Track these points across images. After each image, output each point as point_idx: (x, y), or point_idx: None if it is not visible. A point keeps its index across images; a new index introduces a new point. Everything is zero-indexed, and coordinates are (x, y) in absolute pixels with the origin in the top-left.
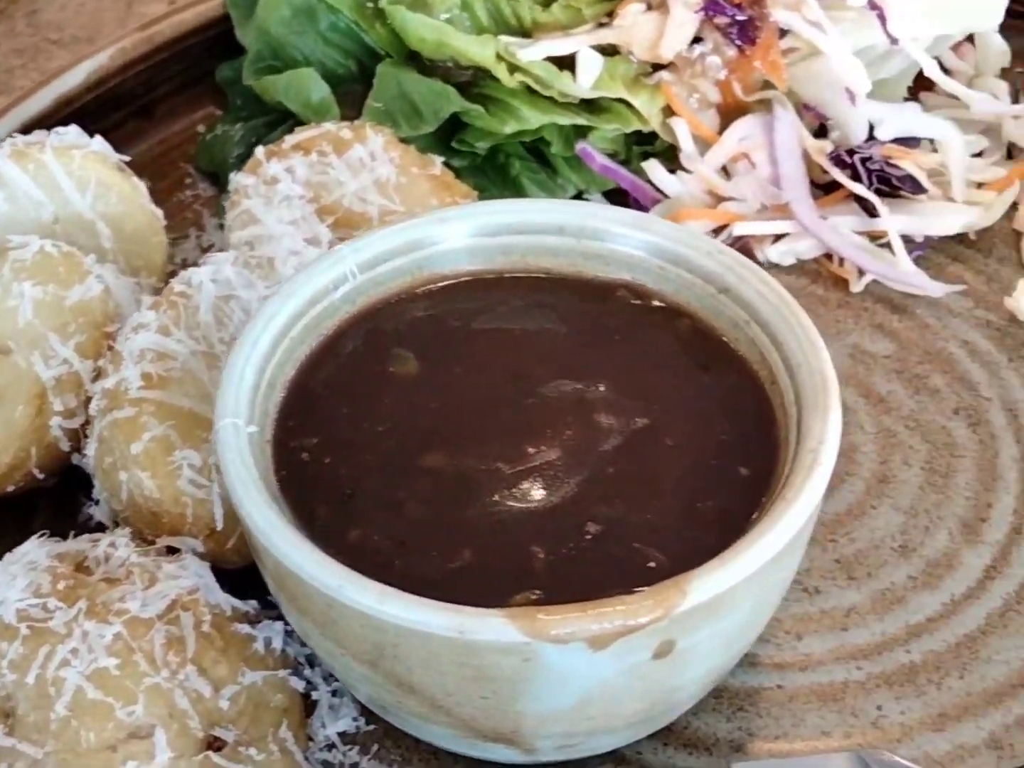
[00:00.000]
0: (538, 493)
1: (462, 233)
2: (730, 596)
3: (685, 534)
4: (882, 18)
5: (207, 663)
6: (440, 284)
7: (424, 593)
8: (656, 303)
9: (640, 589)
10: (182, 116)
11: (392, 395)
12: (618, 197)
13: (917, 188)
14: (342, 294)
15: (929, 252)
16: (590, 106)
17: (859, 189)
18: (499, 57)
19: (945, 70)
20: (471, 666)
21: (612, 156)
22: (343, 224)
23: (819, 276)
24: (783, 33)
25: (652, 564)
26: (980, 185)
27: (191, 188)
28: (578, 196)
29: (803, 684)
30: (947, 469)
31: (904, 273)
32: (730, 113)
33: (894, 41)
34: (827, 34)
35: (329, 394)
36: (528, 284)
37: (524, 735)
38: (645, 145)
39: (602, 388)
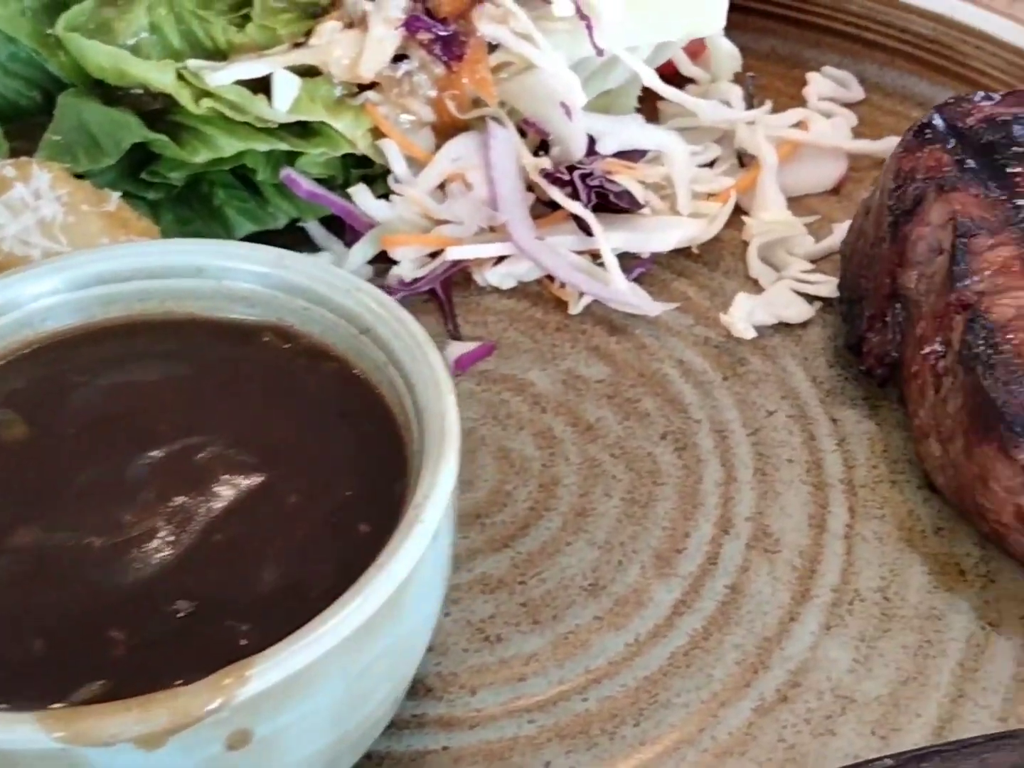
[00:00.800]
0: (129, 569)
1: (67, 285)
2: (308, 676)
3: (288, 605)
4: (589, 28)
5: None
6: (52, 340)
7: None
8: (304, 346)
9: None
10: None
11: None
12: (339, 223)
13: (634, 203)
14: None
15: (655, 268)
16: (297, 129)
17: (574, 207)
18: (184, 82)
19: (687, 78)
20: None
21: (328, 180)
22: (4, 268)
23: (540, 299)
24: (494, 47)
25: (244, 642)
26: (712, 196)
27: None
28: (292, 224)
29: (471, 743)
30: (648, 498)
31: (619, 292)
32: (448, 132)
33: (600, 52)
34: (539, 47)
35: None
36: (164, 331)
37: None
38: (365, 168)
39: (224, 444)
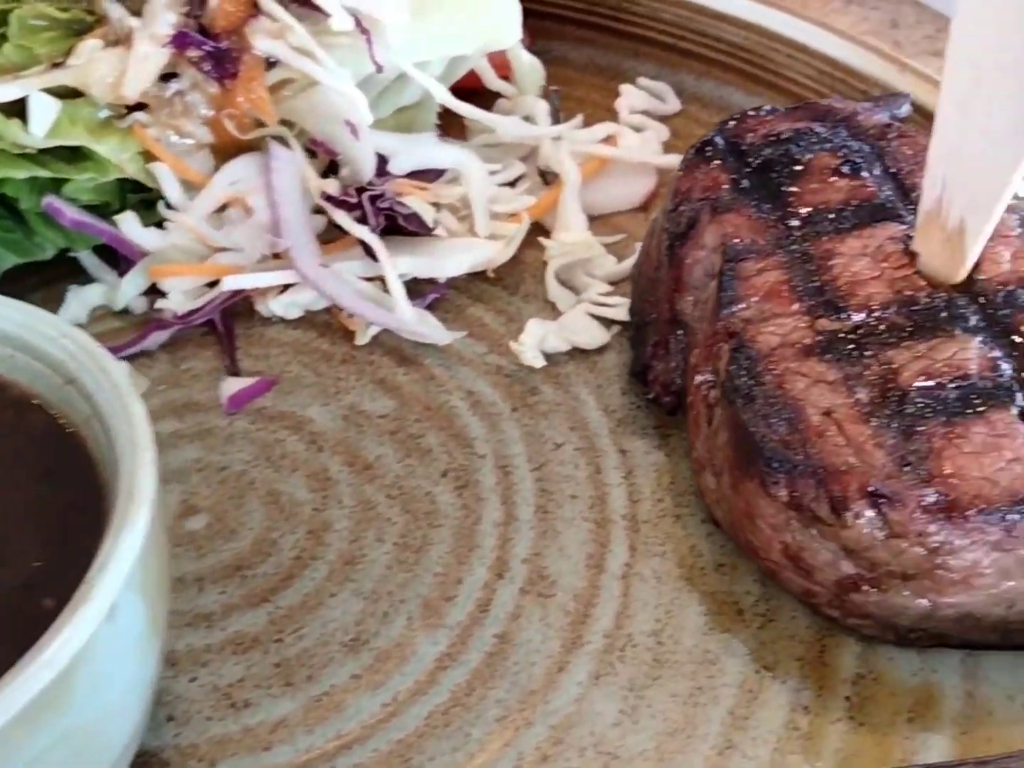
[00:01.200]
0: None
1: None
2: None
3: None
4: (369, 43)
5: None
6: None
7: None
8: (10, 397)
9: None
10: None
11: None
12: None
13: (423, 227)
14: None
15: (452, 294)
16: (65, 154)
17: (359, 231)
18: None
19: (493, 92)
20: None
21: (102, 207)
22: None
23: (328, 329)
24: (273, 64)
25: None
26: (514, 216)
27: None
28: (62, 255)
29: None
30: (422, 542)
31: (405, 321)
32: (230, 154)
33: (379, 68)
34: (320, 63)
35: None
36: None
37: None
38: (142, 193)
39: None
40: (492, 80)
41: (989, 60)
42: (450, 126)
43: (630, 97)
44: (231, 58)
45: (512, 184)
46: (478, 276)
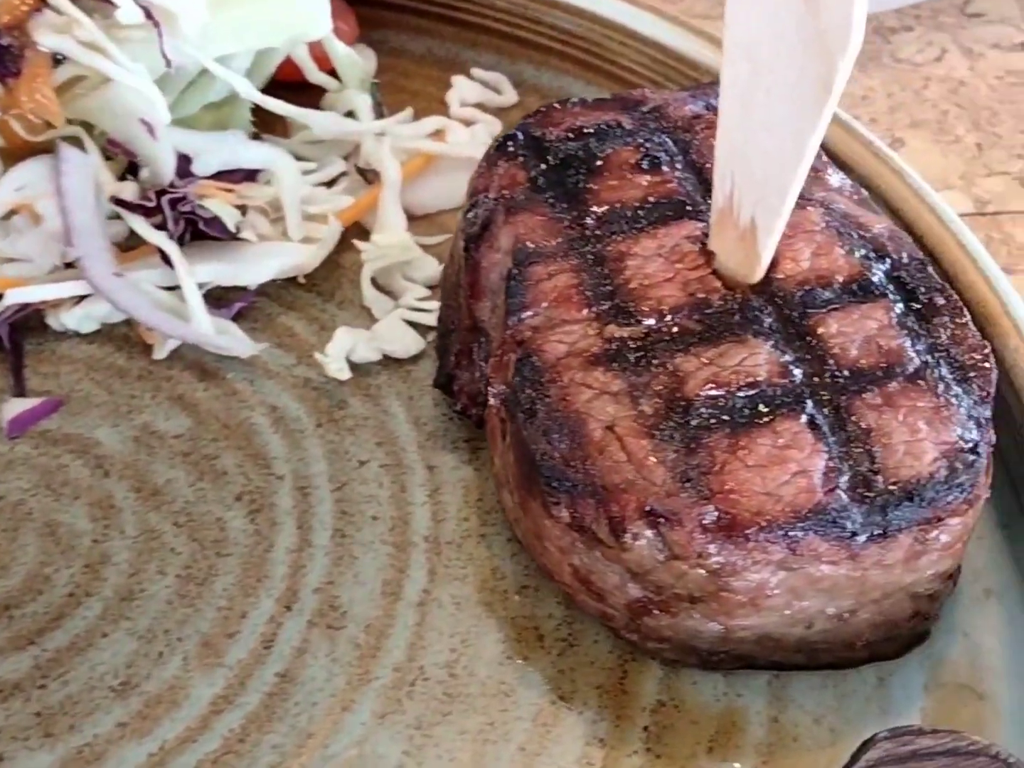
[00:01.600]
0: None
1: None
2: None
3: None
4: (160, 36)
5: None
6: None
7: None
8: None
9: None
10: None
11: None
12: None
13: (224, 231)
14: None
15: (263, 301)
16: None
17: (154, 237)
18: None
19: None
20: None
21: None
22: None
23: (127, 342)
24: (60, 60)
25: None
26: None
27: None
28: None
29: None
30: (207, 573)
31: (202, 335)
32: (24, 157)
33: (168, 62)
34: (112, 58)
35: None
36: None
37: None
38: None
39: None
40: (313, 73)
41: (765, 49)
42: (275, 123)
43: (461, 89)
44: (13, 56)
45: (331, 184)
46: (292, 282)
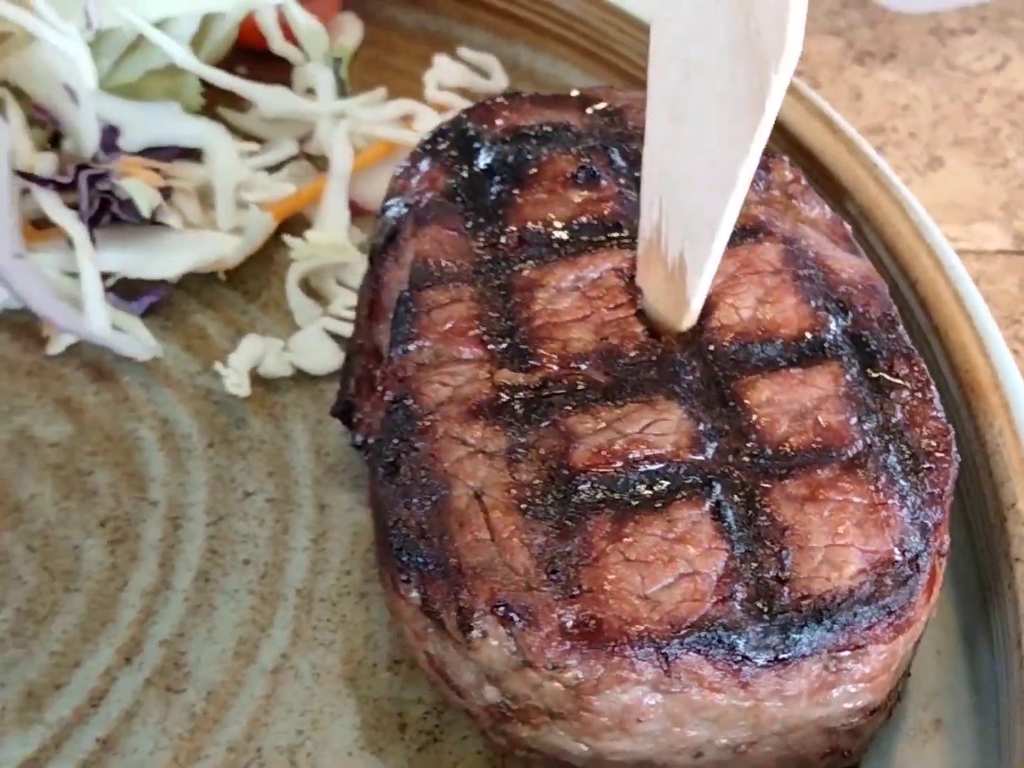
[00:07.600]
0: None
1: None
2: None
3: None
4: None
5: None
6: None
7: None
8: None
9: None
10: None
11: None
12: None
13: (136, 216)
14: None
15: (180, 296)
16: None
17: (60, 216)
18: None
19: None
20: None
21: None
22: None
23: (25, 332)
24: None
25: None
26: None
27: None
28: None
29: None
30: (49, 610)
31: (94, 331)
32: None
33: (90, 23)
34: (41, 15)
35: None
36: None
37: None
38: None
39: None
40: (276, 42)
41: (695, 48)
42: (235, 96)
43: (442, 71)
44: None
45: (277, 168)
46: (215, 278)
